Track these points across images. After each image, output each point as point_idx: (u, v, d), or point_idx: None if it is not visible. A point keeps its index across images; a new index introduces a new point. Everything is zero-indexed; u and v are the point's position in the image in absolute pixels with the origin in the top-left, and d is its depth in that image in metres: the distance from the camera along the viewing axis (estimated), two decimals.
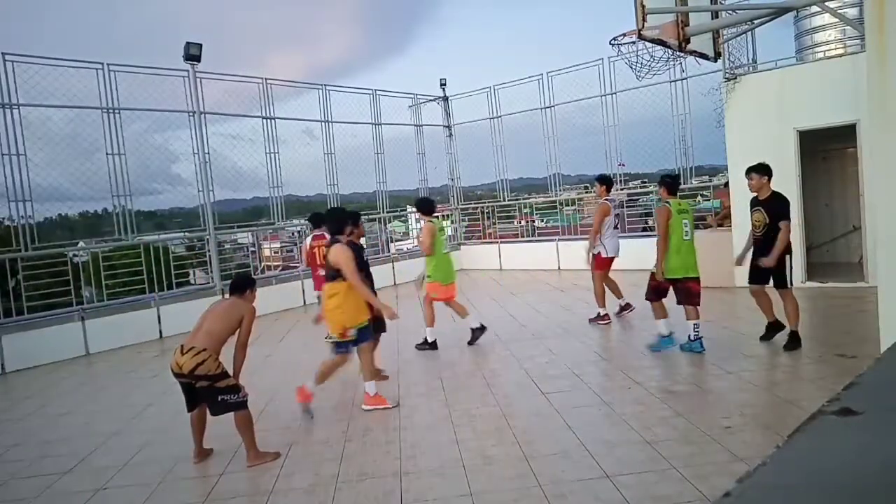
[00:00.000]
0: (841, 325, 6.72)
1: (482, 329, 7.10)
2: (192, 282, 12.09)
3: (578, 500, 3.38)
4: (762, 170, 6.08)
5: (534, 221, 15.30)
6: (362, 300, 5.16)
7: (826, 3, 6.98)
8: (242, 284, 4.65)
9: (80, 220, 10.78)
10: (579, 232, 13.66)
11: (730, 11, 6.81)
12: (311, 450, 4.47)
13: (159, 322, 9.48)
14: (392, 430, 4.69)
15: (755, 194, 6.25)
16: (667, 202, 6.40)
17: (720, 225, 10.16)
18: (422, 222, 7.30)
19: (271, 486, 3.92)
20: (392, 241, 15.74)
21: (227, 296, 4.78)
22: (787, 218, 5.91)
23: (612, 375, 5.56)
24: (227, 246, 12.91)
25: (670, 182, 6.54)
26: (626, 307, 7.93)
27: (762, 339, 6.19)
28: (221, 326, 4.36)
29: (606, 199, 7.89)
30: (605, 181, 8.04)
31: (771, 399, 4.62)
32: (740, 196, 9.23)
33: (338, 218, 5.49)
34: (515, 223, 15.30)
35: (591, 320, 7.71)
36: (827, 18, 8.90)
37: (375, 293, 5.62)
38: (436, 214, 7.48)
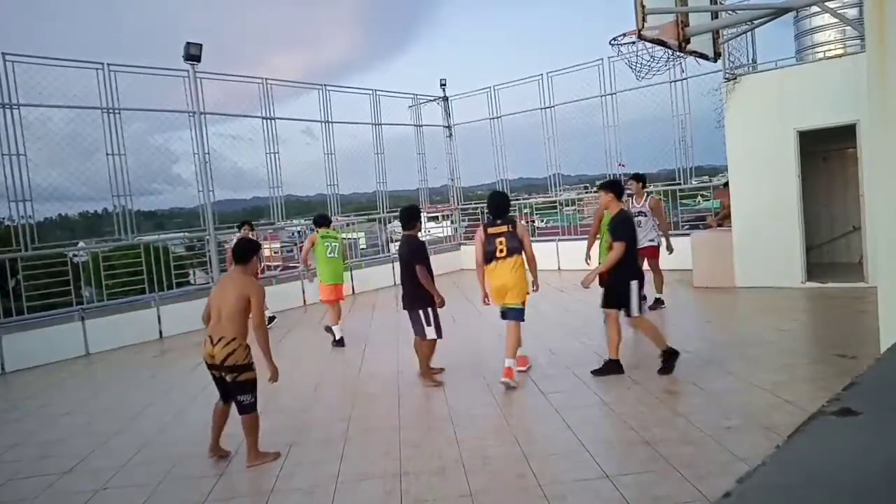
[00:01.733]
0: (841, 325, 6.71)
1: (341, 342, 7.82)
2: (192, 282, 12.09)
3: (578, 500, 3.38)
4: (607, 187, 5.83)
5: (534, 221, 15.31)
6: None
7: (826, 4, 6.98)
8: (245, 252, 4.43)
9: (80, 220, 10.78)
10: (579, 232, 13.66)
11: (730, 11, 6.81)
12: (311, 450, 4.47)
13: (159, 322, 9.48)
14: (392, 430, 4.69)
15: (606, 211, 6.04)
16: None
17: (720, 225, 10.16)
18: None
19: (271, 486, 3.92)
20: (392, 241, 15.74)
21: (231, 267, 4.58)
22: (620, 239, 5.43)
23: (611, 375, 5.55)
24: (227, 246, 12.88)
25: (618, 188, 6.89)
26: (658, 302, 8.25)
27: (594, 372, 5.60)
28: (238, 310, 4.23)
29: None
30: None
31: (771, 399, 4.61)
32: (741, 196, 9.24)
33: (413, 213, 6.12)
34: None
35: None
36: (827, 19, 8.90)
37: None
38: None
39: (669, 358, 5.46)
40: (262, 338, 4.30)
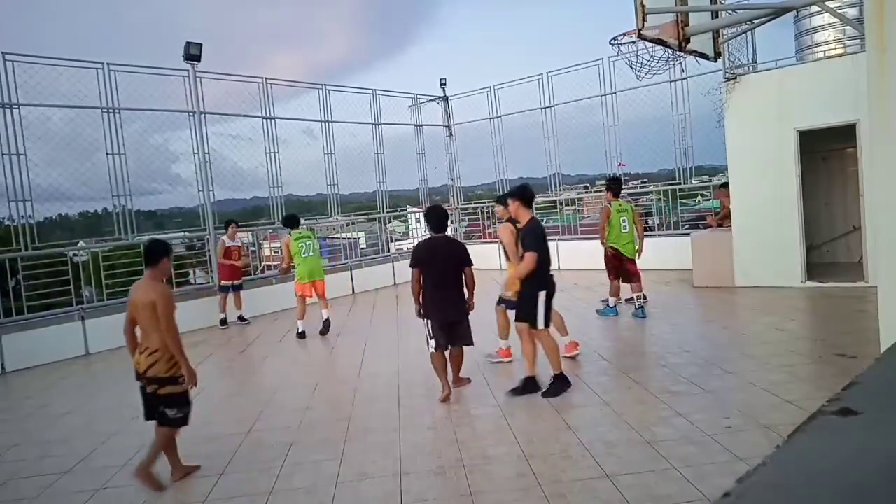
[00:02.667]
0: (841, 325, 6.71)
1: (303, 335, 8.39)
2: (192, 281, 12.10)
3: (578, 500, 3.38)
4: (512, 195, 5.53)
5: None
6: None
7: (826, 3, 6.98)
8: (156, 253, 4.16)
9: (80, 219, 10.78)
10: (579, 232, 13.67)
11: (730, 11, 6.81)
12: (311, 450, 4.47)
13: None
14: (392, 430, 4.69)
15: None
16: (609, 204, 8.04)
17: (720, 225, 10.16)
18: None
19: (271, 486, 3.92)
20: (392, 241, 15.75)
21: (145, 271, 4.25)
22: (530, 249, 5.15)
23: (612, 375, 5.56)
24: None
25: (615, 186, 8.12)
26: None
27: (512, 392, 5.26)
28: (152, 319, 4.00)
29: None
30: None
31: (771, 399, 4.61)
32: (740, 196, 9.24)
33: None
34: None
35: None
36: (827, 18, 8.90)
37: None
38: (302, 226, 8.99)
39: (560, 382, 5.15)
40: (173, 343, 4.00)
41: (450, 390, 5.30)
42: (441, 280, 5.26)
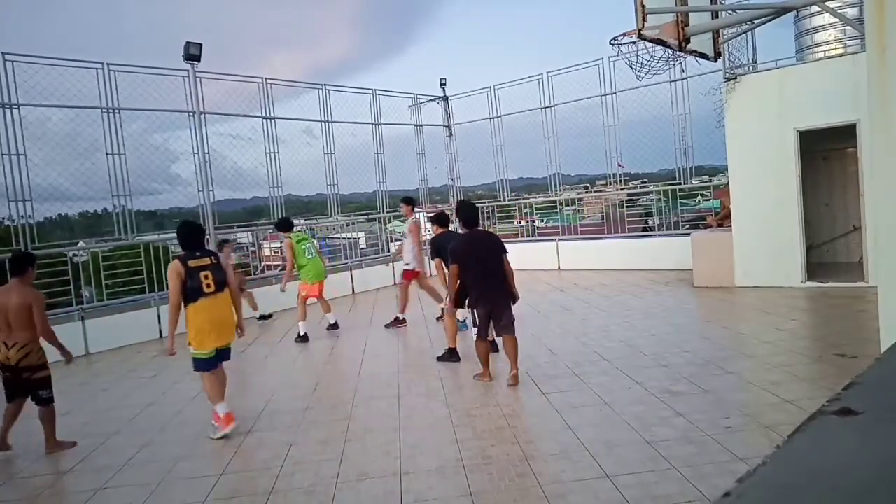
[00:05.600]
0: (841, 325, 6.71)
1: (336, 326, 8.70)
2: None
3: (578, 500, 3.38)
4: (407, 202, 6.13)
5: (534, 221, 15.31)
6: None
7: (826, 3, 6.98)
8: (21, 264, 4.88)
9: (79, 219, 10.77)
10: (579, 232, 13.67)
11: (730, 11, 6.81)
12: (311, 450, 4.47)
13: (159, 322, 9.47)
14: (392, 430, 4.69)
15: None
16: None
17: (720, 225, 10.17)
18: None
19: (271, 486, 3.92)
20: (392, 241, 15.75)
21: (10, 279, 4.93)
22: (445, 258, 5.65)
23: (612, 375, 5.56)
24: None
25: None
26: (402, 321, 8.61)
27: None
28: (25, 318, 4.73)
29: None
30: (411, 202, 8.73)
31: (771, 399, 4.62)
32: (741, 196, 9.24)
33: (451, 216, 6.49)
34: (515, 223, 15.30)
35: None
36: (827, 18, 8.90)
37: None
38: (297, 228, 9.08)
39: (451, 354, 6.35)
40: (48, 335, 4.89)
41: (490, 377, 5.61)
42: (486, 270, 5.50)
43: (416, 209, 8.92)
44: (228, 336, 5.01)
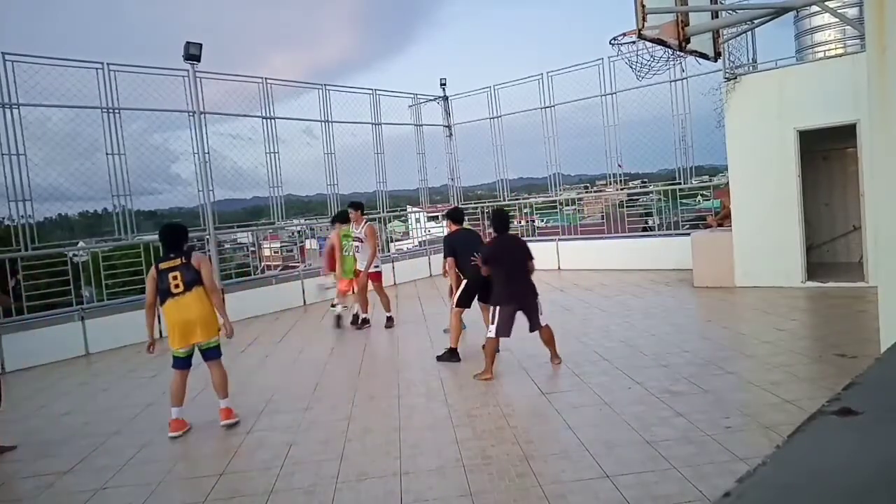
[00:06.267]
0: (841, 325, 6.71)
1: (366, 322, 8.85)
2: None
3: (578, 500, 3.38)
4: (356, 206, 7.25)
5: (534, 221, 15.31)
6: None
7: (826, 3, 6.98)
8: None
9: (79, 219, 10.76)
10: (579, 232, 13.68)
11: (730, 11, 6.81)
12: (311, 450, 4.47)
13: (159, 322, 9.43)
14: (392, 430, 4.69)
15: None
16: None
17: (720, 225, 10.17)
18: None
19: (271, 486, 3.92)
20: (392, 241, 15.75)
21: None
22: (457, 256, 6.62)
23: (612, 375, 5.56)
24: (227, 246, 12.90)
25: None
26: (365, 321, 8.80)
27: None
28: None
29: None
30: (360, 207, 8.87)
31: (771, 399, 4.62)
32: (741, 196, 9.25)
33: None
34: (515, 223, 15.31)
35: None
36: (827, 18, 8.90)
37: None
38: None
39: (452, 354, 6.41)
40: None
41: (492, 375, 5.75)
42: (516, 272, 5.87)
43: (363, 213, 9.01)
44: (195, 336, 5.03)
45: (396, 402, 5.34)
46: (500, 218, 6.19)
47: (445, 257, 6.84)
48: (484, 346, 5.91)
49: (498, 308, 5.77)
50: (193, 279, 4.98)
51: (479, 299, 6.63)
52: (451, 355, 6.46)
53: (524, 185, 15.90)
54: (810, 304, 7.93)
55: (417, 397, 5.44)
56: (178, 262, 4.99)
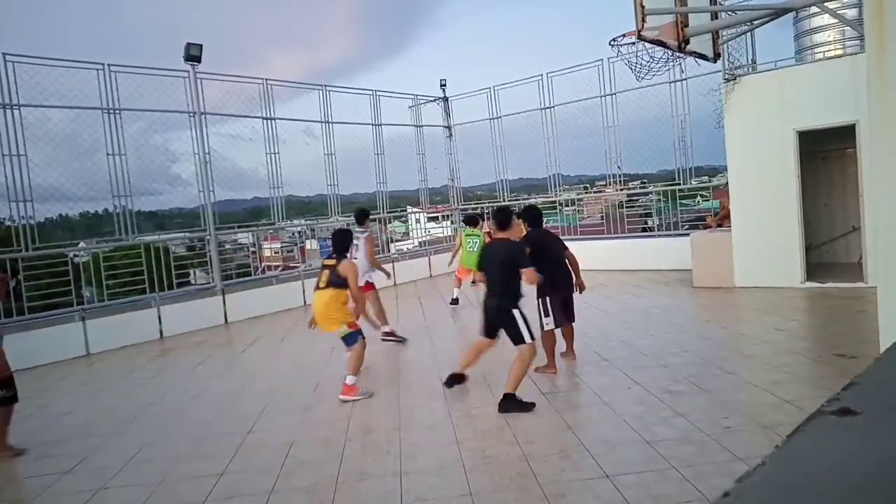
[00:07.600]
0: (840, 325, 6.72)
1: (456, 301, 9.67)
2: (193, 282, 12.09)
3: (578, 500, 3.39)
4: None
5: None
6: None
7: (825, 4, 6.99)
8: None
9: (80, 220, 10.77)
10: (579, 232, 13.67)
11: (729, 12, 6.81)
12: (311, 450, 4.48)
13: (160, 322, 9.48)
14: (392, 430, 4.69)
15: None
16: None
17: (720, 225, 10.17)
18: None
19: (271, 486, 3.92)
20: (392, 242, 15.75)
21: None
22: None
23: (612, 375, 5.56)
24: (227, 246, 12.89)
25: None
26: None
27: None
28: None
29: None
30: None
31: (770, 399, 4.62)
32: (740, 196, 9.25)
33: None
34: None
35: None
36: (826, 19, 8.90)
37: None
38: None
39: (460, 378, 5.38)
40: None
41: (556, 370, 5.78)
42: (557, 263, 5.97)
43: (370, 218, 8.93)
44: (320, 324, 5.73)
45: (396, 402, 5.35)
46: (534, 213, 6.24)
47: (523, 266, 5.06)
48: (542, 343, 5.68)
49: (548, 299, 5.81)
50: (334, 282, 5.61)
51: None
52: (522, 406, 4.90)
53: (524, 185, 15.90)
54: (810, 305, 7.93)
55: (417, 397, 5.45)
56: (332, 262, 5.70)
